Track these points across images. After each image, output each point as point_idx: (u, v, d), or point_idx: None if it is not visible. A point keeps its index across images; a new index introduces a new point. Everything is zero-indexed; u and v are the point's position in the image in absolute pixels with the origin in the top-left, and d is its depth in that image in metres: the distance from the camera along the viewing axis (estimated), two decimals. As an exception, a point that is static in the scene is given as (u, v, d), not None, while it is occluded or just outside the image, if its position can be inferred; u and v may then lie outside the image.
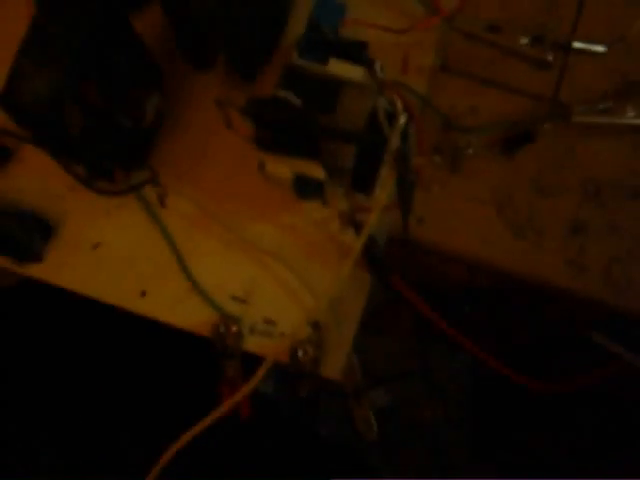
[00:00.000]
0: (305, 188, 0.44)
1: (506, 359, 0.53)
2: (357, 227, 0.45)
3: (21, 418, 0.61)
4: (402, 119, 0.39)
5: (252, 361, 0.46)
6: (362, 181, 0.41)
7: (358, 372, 0.89)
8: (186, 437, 0.43)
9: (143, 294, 0.49)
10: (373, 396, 0.95)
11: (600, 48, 0.46)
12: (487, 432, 0.86)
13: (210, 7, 0.41)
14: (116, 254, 0.50)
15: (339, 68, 0.41)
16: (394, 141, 0.39)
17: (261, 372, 0.44)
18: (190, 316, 0.48)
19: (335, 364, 0.47)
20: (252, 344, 0.47)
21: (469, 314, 0.67)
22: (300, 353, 0.46)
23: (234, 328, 0.47)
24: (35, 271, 0.50)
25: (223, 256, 0.49)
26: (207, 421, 0.43)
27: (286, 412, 0.71)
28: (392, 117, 0.40)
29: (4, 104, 0.38)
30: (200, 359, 0.49)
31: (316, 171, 0.41)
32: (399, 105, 0.40)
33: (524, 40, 0.44)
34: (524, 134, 0.50)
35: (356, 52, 0.42)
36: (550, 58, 0.43)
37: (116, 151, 0.45)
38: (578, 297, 0.50)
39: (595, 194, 0.50)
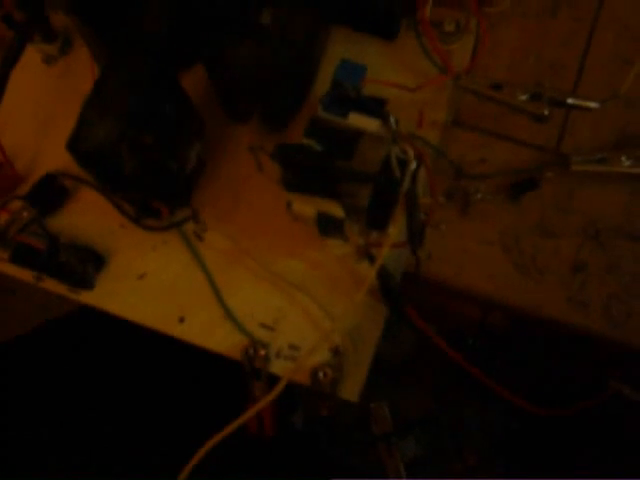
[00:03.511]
0: (327, 226, 0.49)
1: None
2: (371, 259, 0.50)
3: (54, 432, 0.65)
4: (412, 165, 0.45)
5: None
6: (377, 219, 0.46)
7: (389, 421, 0.92)
8: (207, 447, 0.47)
9: (181, 320, 0.54)
10: (403, 446, 0.97)
11: (593, 104, 0.51)
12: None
13: (247, 70, 0.48)
14: (159, 284, 0.55)
15: (358, 121, 0.47)
16: (405, 184, 0.44)
17: (280, 387, 0.48)
18: (223, 341, 0.53)
19: (353, 386, 0.51)
20: (278, 367, 0.52)
21: (482, 350, 0.71)
22: (320, 375, 0.51)
23: (262, 352, 0.52)
24: (87, 298, 0.55)
25: (254, 287, 0.54)
26: (227, 431, 0.47)
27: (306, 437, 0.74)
28: (404, 163, 0.45)
29: (71, 149, 0.44)
30: (230, 380, 0.54)
31: (336, 210, 0.46)
32: (410, 153, 0.45)
33: (523, 97, 0.49)
34: (528, 181, 0.54)
35: (374, 107, 0.48)
36: (546, 113, 0.48)
37: (163, 192, 0.51)
38: (580, 332, 0.54)
39: (595, 236, 0.54)
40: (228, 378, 0.56)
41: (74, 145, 0.44)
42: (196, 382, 0.67)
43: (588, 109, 0.53)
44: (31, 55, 0.60)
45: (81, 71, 0.59)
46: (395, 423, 0.95)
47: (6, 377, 0.71)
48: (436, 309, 0.62)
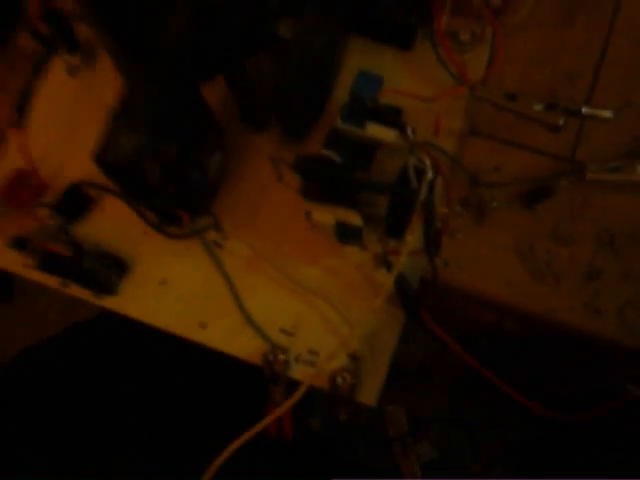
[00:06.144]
0: (346, 234, 0.50)
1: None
2: (389, 266, 0.51)
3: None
4: (429, 175, 0.46)
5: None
6: (394, 227, 0.47)
7: (405, 424, 0.93)
8: (230, 449, 0.48)
9: (203, 326, 0.55)
10: (419, 448, 0.97)
11: (607, 113, 0.51)
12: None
13: (267, 83, 0.49)
14: (180, 290, 0.56)
15: (375, 131, 0.48)
16: (422, 193, 0.45)
17: (300, 393, 0.49)
18: (243, 346, 0.54)
19: (370, 391, 0.52)
20: (297, 372, 0.53)
21: (498, 356, 0.71)
22: (339, 380, 0.52)
23: (282, 357, 0.53)
24: (110, 303, 0.57)
25: (273, 294, 0.55)
26: (249, 434, 0.48)
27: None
28: (421, 173, 0.46)
29: (98, 161, 0.46)
30: (249, 385, 0.55)
31: (355, 219, 0.47)
32: (427, 162, 0.46)
33: (538, 107, 0.50)
34: (543, 189, 0.55)
35: (391, 117, 0.49)
36: (561, 122, 0.49)
37: (185, 200, 0.52)
38: (594, 338, 0.55)
39: (609, 243, 0.55)
40: (247, 383, 0.57)
41: (101, 157, 0.45)
42: (216, 387, 0.68)
43: (602, 118, 0.53)
44: (55, 66, 0.62)
45: (104, 82, 0.61)
46: (411, 426, 0.95)
47: (27, 382, 0.73)
48: (452, 315, 0.63)
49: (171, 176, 0.49)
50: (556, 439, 0.85)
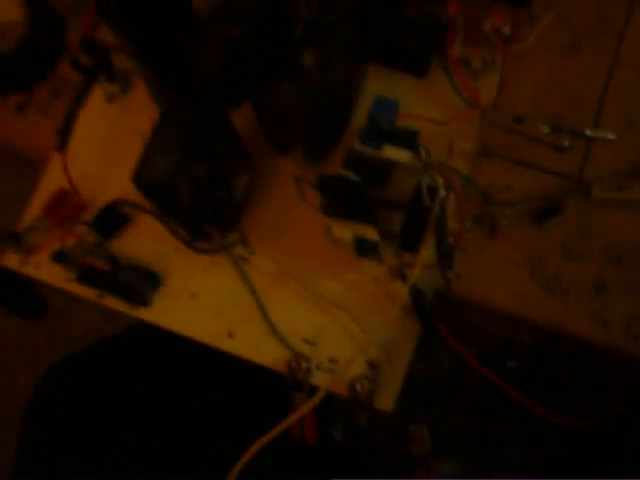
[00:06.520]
0: (364, 248, 0.53)
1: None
2: (404, 279, 0.54)
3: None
4: (441, 193, 0.49)
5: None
6: (409, 242, 0.50)
7: (428, 443, 0.95)
8: (252, 449, 0.51)
9: (230, 335, 0.59)
10: (441, 468, 0.98)
11: (611, 135, 0.54)
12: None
13: (290, 108, 0.53)
14: (209, 302, 0.60)
15: (391, 152, 0.51)
16: (434, 210, 0.49)
17: (319, 395, 0.52)
18: (268, 355, 0.58)
19: (388, 397, 0.55)
20: (318, 379, 0.56)
21: (514, 371, 0.73)
22: (358, 386, 0.55)
23: (304, 365, 0.56)
24: (144, 314, 0.60)
25: (296, 305, 0.58)
26: (271, 434, 0.51)
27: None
28: (434, 191, 0.49)
29: (136, 181, 0.50)
30: (274, 392, 0.58)
31: (372, 234, 0.51)
32: (439, 182, 0.49)
33: (545, 129, 0.54)
34: (552, 207, 0.58)
35: (406, 140, 0.52)
36: (566, 144, 0.52)
37: (214, 218, 0.56)
38: (602, 349, 0.57)
39: (616, 259, 0.57)
40: (271, 392, 0.60)
41: (138, 177, 0.49)
42: (242, 398, 0.71)
43: (607, 140, 0.57)
44: (95, 94, 0.66)
45: (139, 109, 0.65)
46: (433, 444, 0.97)
47: (61, 392, 0.77)
48: (467, 329, 0.65)
49: (202, 195, 0.53)
50: (577, 454, 0.86)
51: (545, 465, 0.96)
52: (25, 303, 1.36)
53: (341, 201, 0.49)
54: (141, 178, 0.49)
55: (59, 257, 0.61)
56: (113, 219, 0.63)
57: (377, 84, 0.62)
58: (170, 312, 0.60)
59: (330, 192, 0.49)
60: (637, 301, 0.56)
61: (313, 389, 0.56)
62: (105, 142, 0.66)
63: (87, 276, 0.60)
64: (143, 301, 0.60)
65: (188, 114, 0.52)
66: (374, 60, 0.63)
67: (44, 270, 0.63)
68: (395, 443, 0.98)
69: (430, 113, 0.60)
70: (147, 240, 0.62)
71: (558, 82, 0.61)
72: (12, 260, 0.64)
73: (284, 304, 0.59)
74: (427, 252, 0.51)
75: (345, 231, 0.52)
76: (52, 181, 0.65)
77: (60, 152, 0.61)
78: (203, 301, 0.60)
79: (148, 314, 0.61)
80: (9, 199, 0.72)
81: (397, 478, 0.95)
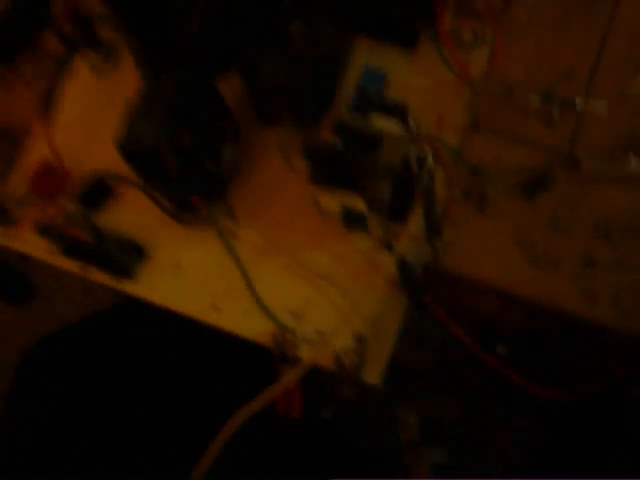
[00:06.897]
0: (351, 220, 0.53)
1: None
2: (391, 249, 0.54)
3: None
4: (429, 161, 0.48)
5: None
6: (396, 211, 0.50)
7: (416, 429, 0.95)
8: (235, 421, 0.51)
9: (215, 308, 0.58)
10: (430, 453, 0.98)
11: (601, 106, 0.54)
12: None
13: (278, 78, 0.52)
14: (194, 274, 0.59)
15: (380, 123, 0.50)
16: (423, 179, 0.48)
17: (304, 365, 0.52)
18: (253, 327, 0.57)
19: (375, 370, 0.55)
20: (304, 352, 0.56)
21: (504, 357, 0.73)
22: (344, 359, 0.54)
23: (290, 337, 0.56)
24: (129, 287, 0.60)
25: (283, 278, 0.58)
26: (256, 404, 0.51)
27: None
28: (422, 161, 0.49)
29: (120, 147, 0.49)
30: (259, 365, 0.58)
31: (359, 204, 0.50)
32: (427, 151, 0.49)
33: (535, 100, 0.53)
34: (541, 181, 0.57)
35: (395, 111, 0.52)
36: (556, 115, 0.52)
37: (200, 188, 0.55)
38: (591, 323, 0.57)
39: (605, 233, 0.57)
40: (258, 370, 0.60)
41: (122, 144, 0.49)
42: (228, 371, 0.71)
43: (597, 111, 0.56)
44: (80, 65, 0.65)
45: (125, 80, 0.64)
46: (422, 430, 0.97)
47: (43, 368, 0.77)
48: (454, 309, 0.65)
49: (187, 163, 0.52)
50: (568, 442, 0.86)
51: (536, 451, 0.96)
52: (12, 288, 1.36)
53: (329, 169, 0.49)
54: (125, 144, 0.49)
55: (43, 230, 0.60)
56: (98, 191, 0.62)
57: (365, 55, 0.61)
58: (155, 285, 0.60)
59: (318, 159, 0.48)
60: (626, 275, 0.56)
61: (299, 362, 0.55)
62: (91, 114, 0.65)
63: (71, 249, 0.59)
64: (127, 273, 0.59)
65: (173, 80, 0.51)
66: (362, 31, 0.62)
67: (27, 242, 0.62)
68: (383, 428, 0.98)
69: (419, 85, 0.59)
70: (132, 212, 0.62)
71: (549, 56, 0.61)
72: (-6, 232, 0.63)
73: (270, 276, 0.58)
74: (415, 223, 0.50)
75: (333, 202, 0.52)
76: (36, 153, 0.64)
77: (44, 123, 0.60)
78: (188, 274, 0.60)
79: (133, 287, 0.60)
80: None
81: (384, 462, 0.95)
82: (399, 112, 0.51)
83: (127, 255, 0.59)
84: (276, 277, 0.58)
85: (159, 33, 0.52)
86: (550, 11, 0.62)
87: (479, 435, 0.99)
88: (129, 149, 0.49)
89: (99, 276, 0.60)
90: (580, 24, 0.61)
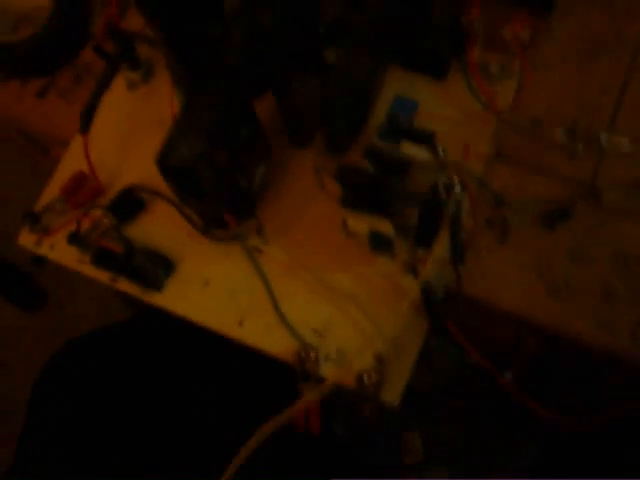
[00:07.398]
0: (378, 243, 0.54)
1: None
2: (416, 274, 0.55)
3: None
4: (457, 189, 0.50)
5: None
6: (423, 237, 0.51)
7: (420, 451, 0.96)
8: (257, 436, 0.52)
9: (240, 324, 0.59)
10: (434, 472, 0.99)
11: (625, 141, 0.56)
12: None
13: (312, 102, 0.54)
14: (221, 290, 0.60)
15: (409, 150, 0.52)
16: (450, 206, 0.50)
17: (328, 385, 0.53)
18: (277, 344, 0.58)
19: (394, 390, 0.56)
20: (326, 370, 0.57)
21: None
22: (365, 378, 0.55)
23: (312, 355, 0.57)
24: (156, 299, 0.61)
25: (307, 296, 0.59)
26: (278, 420, 0.51)
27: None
28: (450, 188, 0.51)
29: (160, 164, 0.51)
30: (282, 382, 0.59)
31: (387, 228, 0.52)
32: (455, 180, 0.50)
33: (560, 133, 0.55)
34: (562, 212, 0.59)
35: (424, 138, 0.53)
36: (580, 149, 0.54)
37: (232, 204, 0.57)
38: (608, 353, 0.58)
39: (623, 265, 0.58)
40: (279, 385, 0.61)
41: (162, 161, 0.50)
42: (250, 388, 0.72)
43: (620, 147, 0.58)
44: (117, 81, 0.67)
45: (160, 98, 0.66)
46: (426, 451, 0.98)
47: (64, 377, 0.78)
48: (469, 333, 0.66)
49: (222, 180, 0.53)
50: (570, 463, 0.87)
51: (537, 474, 0.96)
52: (25, 295, 1.37)
53: (359, 192, 0.50)
54: (165, 161, 0.50)
55: (74, 239, 0.61)
56: (129, 204, 0.63)
57: (397, 85, 0.63)
58: (182, 298, 0.61)
59: (349, 182, 0.50)
60: (644, 307, 0.57)
61: (320, 380, 0.56)
62: (125, 129, 0.67)
63: (101, 258, 0.61)
64: (156, 285, 0.61)
65: (213, 102, 0.53)
66: (394, 62, 0.64)
67: (59, 251, 0.64)
68: (388, 450, 0.98)
69: (447, 114, 0.61)
70: (162, 226, 0.63)
71: (573, 90, 0.62)
72: (28, 240, 0.65)
73: (295, 294, 0.59)
74: (440, 249, 0.52)
75: (361, 224, 0.53)
76: (72, 164, 0.66)
77: (82, 134, 0.62)
78: (215, 289, 0.61)
79: (160, 299, 0.61)
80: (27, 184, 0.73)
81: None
82: (428, 140, 0.53)
83: (156, 267, 0.60)
84: (301, 295, 0.59)
85: (201, 56, 0.54)
86: (576, 47, 0.64)
87: (480, 458, 1.00)
88: (168, 166, 0.51)
89: (128, 287, 0.61)
90: (605, 61, 0.63)
